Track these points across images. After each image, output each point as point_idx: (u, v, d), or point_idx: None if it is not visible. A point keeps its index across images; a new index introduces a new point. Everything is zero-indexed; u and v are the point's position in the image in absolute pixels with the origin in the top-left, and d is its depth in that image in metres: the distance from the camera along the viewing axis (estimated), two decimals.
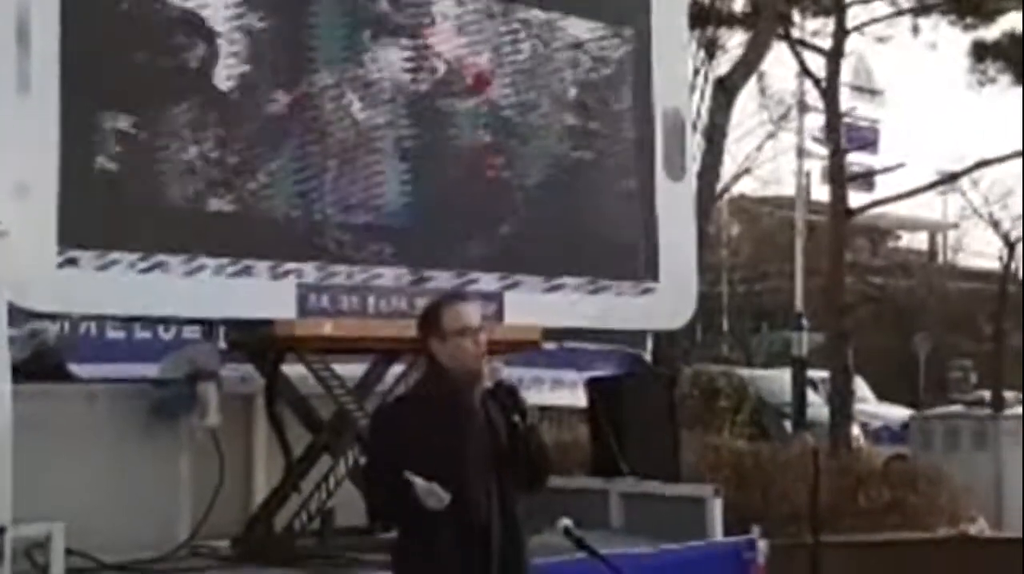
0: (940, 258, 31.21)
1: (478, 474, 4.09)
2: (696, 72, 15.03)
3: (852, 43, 16.32)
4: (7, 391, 4.36)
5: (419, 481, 3.93)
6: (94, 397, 5.85)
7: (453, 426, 4.10)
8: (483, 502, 4.08)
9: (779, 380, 17.36)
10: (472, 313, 4.28)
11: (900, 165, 16.62)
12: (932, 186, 17.34)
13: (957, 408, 17.26)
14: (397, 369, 5.73)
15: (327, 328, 5.53)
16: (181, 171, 5.27)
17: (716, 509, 6.01)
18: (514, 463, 4.16)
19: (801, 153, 18.04)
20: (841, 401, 14.07)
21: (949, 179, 17.85)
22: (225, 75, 5.41)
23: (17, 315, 4.99)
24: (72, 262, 4.99)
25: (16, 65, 4.87)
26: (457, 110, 6.00)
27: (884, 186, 16.42)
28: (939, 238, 31.90)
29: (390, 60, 5.80)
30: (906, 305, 24.63)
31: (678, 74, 7.07)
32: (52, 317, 6.01)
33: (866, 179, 16.06)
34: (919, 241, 33.19)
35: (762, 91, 21.12)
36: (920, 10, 16.91)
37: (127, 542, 5.28)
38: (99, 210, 5.08)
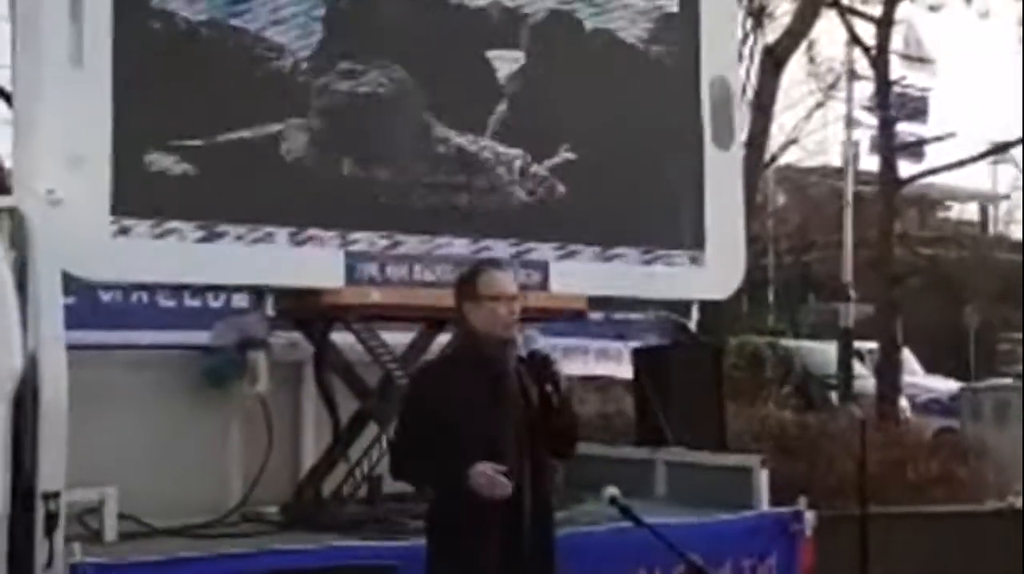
0: (991, 229, 30.83)
1: (511, 439, 4.14)
2: (744, 40, 14.88)
3: (902, 11, 16.08)
4: (63, 358, 4.42)
5: (480, 467, 3.98)
6: (147, 364, 5.93)
7: (486, 389, 4.14)
8: (516, 467, 4.11)
9: (825, 351, 17.24)
10: (507, 280, 4.34)
11: (950, 135, 16.39)
12: (983, 156, 17.10)
13: (1007, 381, 17.07)
14: (444, 337, 5.76)
15: (374, 296, 5.57)
16: (231, 140, 5.33)
17: (763, 479, 5.98)
18: (545, 431, 4.20)
19: (850, 122, 17.84)
20: (889, 373, 13.97)
21: (1000, 149, 17.60)
22: (279, 44, 5.46)
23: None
24: (124, 231, 5.08)
25: (69, 40, 5.01)
26: (504, 77, 6.01)
27: (934, 156, 16.21)
28: (990, 209, 31.51)
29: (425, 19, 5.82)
30: (956, 277, 24.32)
31: (726, 42, 7.03)
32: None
33: (916, 149, 15.86)
34: (970, 212, 32.79)
35: (811, 59, 20.91)
36: None
37: (178, 507, 5.35)
38: (150, 179, 5.16)
